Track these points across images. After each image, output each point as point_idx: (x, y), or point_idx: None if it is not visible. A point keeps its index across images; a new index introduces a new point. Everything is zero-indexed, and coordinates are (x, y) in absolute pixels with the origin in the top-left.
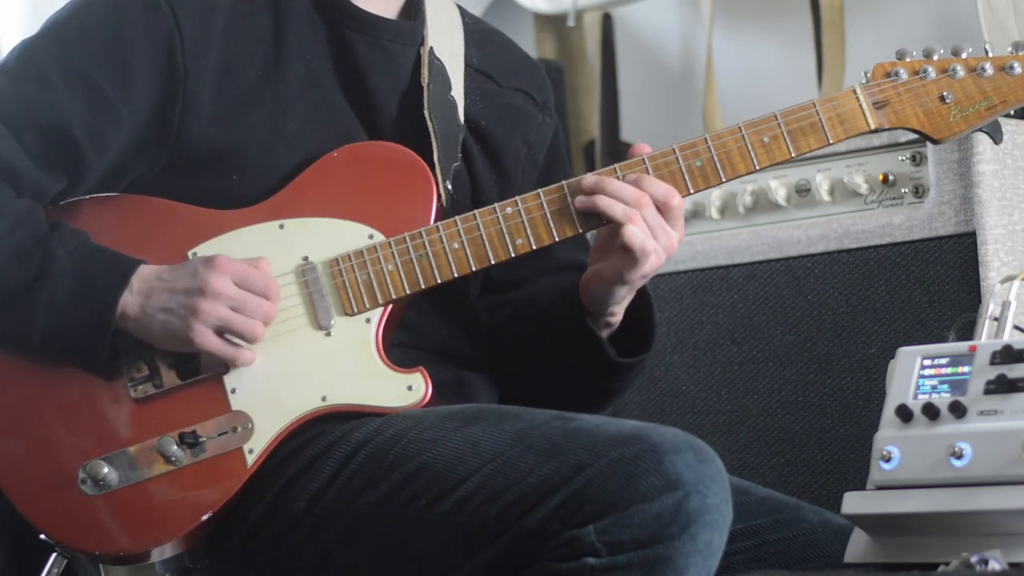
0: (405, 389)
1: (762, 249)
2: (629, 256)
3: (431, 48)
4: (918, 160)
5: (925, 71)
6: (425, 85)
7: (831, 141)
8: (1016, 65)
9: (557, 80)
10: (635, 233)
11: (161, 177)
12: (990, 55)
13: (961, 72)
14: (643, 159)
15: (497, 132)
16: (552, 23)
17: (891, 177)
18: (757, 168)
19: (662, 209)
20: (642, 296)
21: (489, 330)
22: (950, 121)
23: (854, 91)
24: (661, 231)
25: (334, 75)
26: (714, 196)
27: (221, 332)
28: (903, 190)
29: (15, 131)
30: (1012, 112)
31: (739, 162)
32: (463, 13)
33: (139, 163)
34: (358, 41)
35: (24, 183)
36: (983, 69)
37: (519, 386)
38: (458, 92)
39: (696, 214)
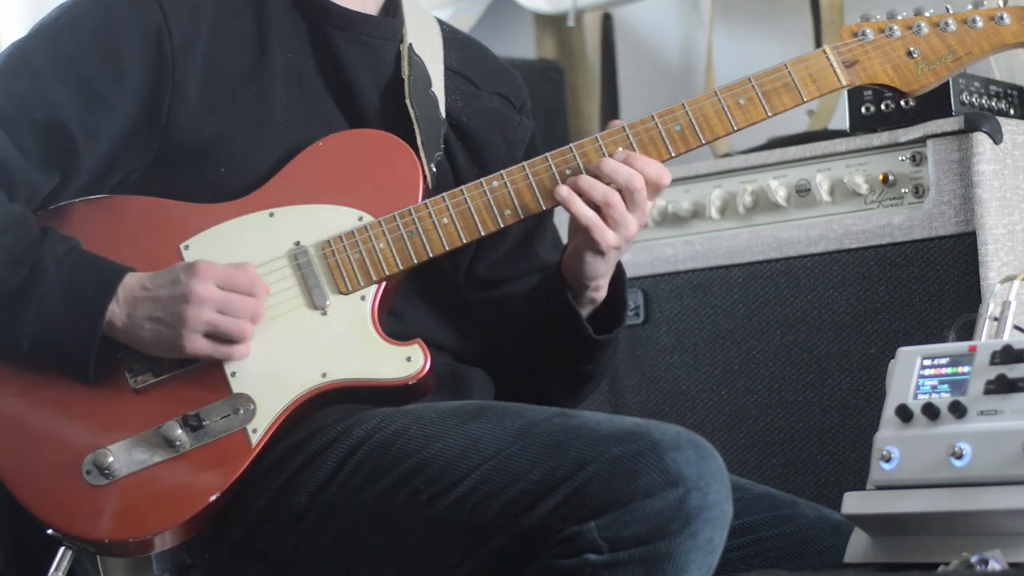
0: (404, 360)
1: (762, 249)
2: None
3: (410, 45)
4: (918, 160)
5: (891, 29)
6: (406, 77)
7: (805, 99)
8: (978, 19)
9: (557, 80)
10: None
11: (150, 174)
12: (951, 12)
13: (925, 28)
14: (623, 127)
15: (477, 128)
16: (552, 23)
17: (891, 177)
18: (735, 128)
19: (651, 188)
20: (616, 272)
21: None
22: (918, 74)
23: (824, 51)
24: (641, 206)
25: (316, 71)
26: (714, 196)
27: (210, 335)
28: (903, 190)
29: (9, 128)
30: (1012, 112)
31: (717, 124)
32: (440, 23)
33: (129, 158)
34: (339, 37)
35: (18, 184)
36: (946, 24)
37: (504, 377)
38: (438, 89)
39: (696, 214)
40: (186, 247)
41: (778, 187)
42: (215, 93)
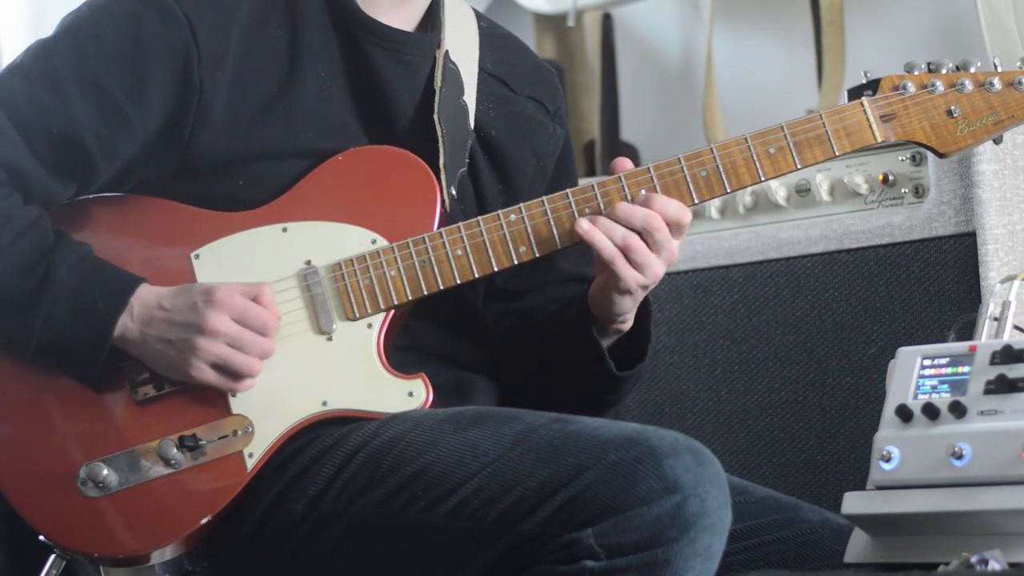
0: (406, 395)
1: (762, 249)
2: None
3: (446, 52)
4: (918, 160)
5: (933, 85)
6: (437, 89)
7: (837, 153)
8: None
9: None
10: (625, 272)
11: (167, 180)
12: (999, 70)
13: (969, 86)
14: (648, 168)
15: (506, 142)
16: (552, 23)
17: (891, 177)
18: (762, 179)
19: (673, 227)
20: (643, 304)
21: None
22: (957, 135)
23: (862, 104)
24: (665, 246)
25: (346, 90)
26: None
27: (218, 368)
28: (903, 190)
29: (27, 137)
30: None
31: (744, 173)
32: (479, 17)
33: (147, 169)
34: (380, 55)
35: (34, 189)
36: (991, 84)
37: (519, 391)
38: (470, 98)
39: (696, 214)
40: (196, 256)
41: (778, 187)
42: (241, 114)
